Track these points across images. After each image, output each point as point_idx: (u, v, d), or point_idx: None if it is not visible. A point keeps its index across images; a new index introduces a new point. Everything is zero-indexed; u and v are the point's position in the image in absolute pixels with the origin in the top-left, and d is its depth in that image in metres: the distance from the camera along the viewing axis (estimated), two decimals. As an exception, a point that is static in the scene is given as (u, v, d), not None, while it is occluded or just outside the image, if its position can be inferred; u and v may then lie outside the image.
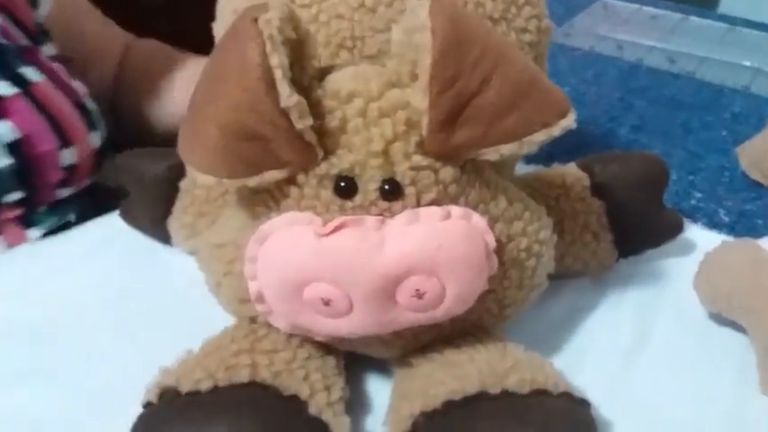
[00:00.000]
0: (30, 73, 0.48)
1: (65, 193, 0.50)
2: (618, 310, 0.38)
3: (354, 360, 0.34)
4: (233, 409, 0.29)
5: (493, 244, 0.28)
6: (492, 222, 0.29)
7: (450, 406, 0.28)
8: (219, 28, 0.35)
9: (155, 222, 0.42)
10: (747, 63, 0.66)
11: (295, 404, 0.29)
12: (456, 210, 0.27)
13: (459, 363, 0.30)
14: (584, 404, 0.29)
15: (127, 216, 0.44)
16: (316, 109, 0.26)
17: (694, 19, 0.75)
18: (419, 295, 0.27)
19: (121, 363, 0.35)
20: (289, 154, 0.26)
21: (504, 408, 0.28)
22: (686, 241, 0.42)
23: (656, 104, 0.60)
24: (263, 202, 0.29)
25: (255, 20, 0.25)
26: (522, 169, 0.41)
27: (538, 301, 0.36)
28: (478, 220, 0.28)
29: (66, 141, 0.48)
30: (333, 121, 0.27)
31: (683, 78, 0.64)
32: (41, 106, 0.48)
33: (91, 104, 0.53)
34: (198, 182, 0.28)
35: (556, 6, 0.79)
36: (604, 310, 0.38)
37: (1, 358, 0.35)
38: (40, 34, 0.53)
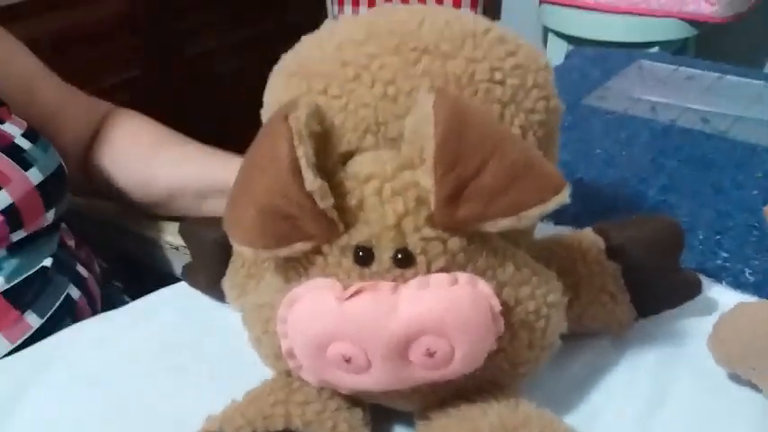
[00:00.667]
0: None
1: (18, 235, 0.49)
2: (635, 370, 0.40)
3: (380, 413, 0.36)
4: None
5: (498, 308, 0.31)
6: (500, 287, 0.32)
7: None
8: (265, 114, 0.40)
9: (212, 283, 0.46)
10: None
11: None
12: (463, 276, 0.30)
13: (473, 417, 0.33)
14: None
15: (188, 277, 0.49)
16: (338, 189, 0.30)
17: (730, 78, 0.75)
18: (430, 354, 0.30)
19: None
20: (314, 229, 0.30)
21: None
22: (708, 300, 0.43)
23: (688, 164, 0.60)
24: (294, 268, 0.33)
25: (286, 117, 0.29)
26: (547, 230, 0.44)
27: (556, 360, 0.38)
28: (484, 286, 0.30)
29: None
30: (352, 200, 0.30)
31: (715, 138, 0.64)
32: None
33: (25, 143, 0.52)
34: (240, 252, 0.32)
35: (591, 69, 0.82)
36: (622, 371, 0.40)
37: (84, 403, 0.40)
38: None
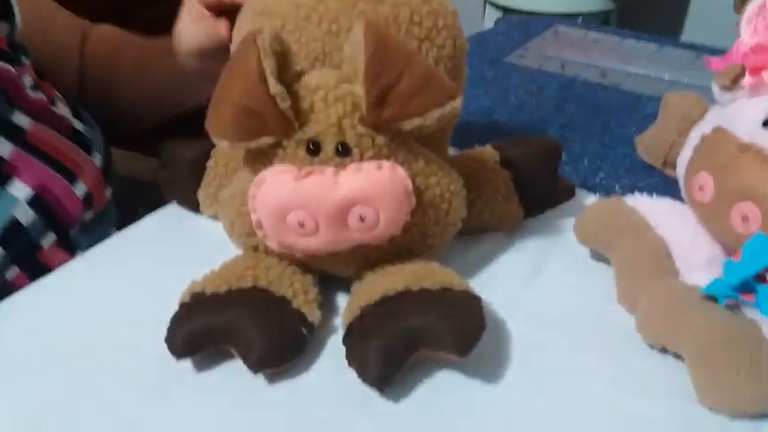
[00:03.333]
0: (20, 119, 0.48)
1: (89, 215, 0.52)
2: (521, 252, 0.51)
3: (326, 279, 0.46)
4: (241, 303, 0.42)
5: (410, 187, 0.41)
6: (413, 175, 0.42)
7: (384, 298, 0.41)
8: (233, 47, 0.49)
9: (187, 194, 0.54)
10: (666, 76, 0.78)
11: (283, 301, 0.42)
12: (386, 163, 0.40)
13: (394, 272, 0.43)
14: (476, 297, 0.41)
15: (166, 191, 0.56)
16: (294, 96, 0.40)
17: (628, 41, 0.87)
18: (362, 219, 0.40)
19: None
20: (276, 125, 0.40)
21: (420, 297, 0.41)
22: (582, 205, 0.55)
23: (584, 109, 0.71)
24: (260, 161, 0.42)
25: (255, 38, 0.38)
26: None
27: (462, 246, 0.49)
28: (401, 171, 0.40)
29: (73, 176, 0.50)
30: (305, 104, 0.40)
31: (610, 89, 0.76)
32: (41, 152, 0.48)
33: (78, 124, 0.53)
34: (218, 146, 0.42)
35: (514, 33, 0.93)
36: (511, 252, 0.51)
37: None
38: (18, 51, 0.52)
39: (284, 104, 0.39)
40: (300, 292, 0.43)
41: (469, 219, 0.47)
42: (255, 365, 0.40)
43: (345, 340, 0.41)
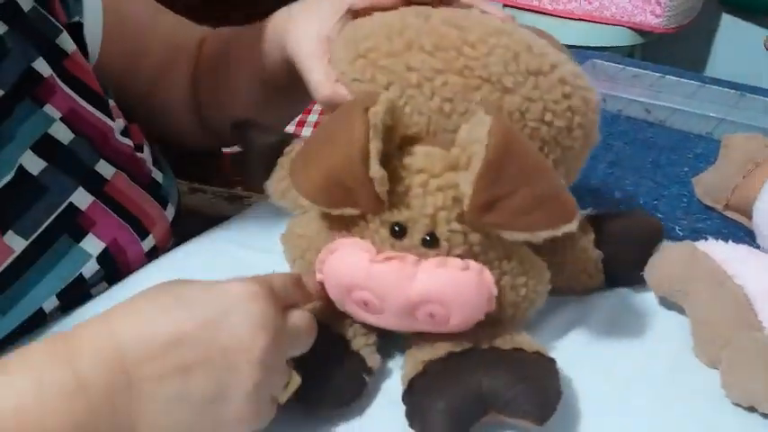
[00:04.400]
0: (103, 168, 0.46)
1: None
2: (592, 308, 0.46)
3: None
4: None
5: (495, 293, 0.37)
6: (501, 275, 0.38)
7: (451, 354, 0.38)
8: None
9: (257, 179, 0.47)
10: (712, 114, 0.74)
11: (342, 340, 0.39)
12: (474, 264, 0.36)
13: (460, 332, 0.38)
14: (551, 360, 0.37)
15: (239, 170, 0.50)
16: (393, 173, 0.35)
17: (670, 77, 0.83)
18: (431, 316, 0.37)
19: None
20: (366, 203, 0.36)
21: (489, 356, 0.37)
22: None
23: (632, 145, 0.69)
24: (339, 221, 0.38)
25: (367, 109, 0.33)
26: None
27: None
28: (488, 275, 0.36)
29: (145, 231, 0.47)
30: (402, 186, 0.36)
31: (655, 125, 0.73)
32: (118, 205, 0.46)
33: (157, 173, 0.50)
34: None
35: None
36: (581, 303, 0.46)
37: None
38: (107, 92, 0.48)
39: (381, 189, 0.35)
40: (361, 335, 0.40)
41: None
42: (315, 406, 0.37)
43: (406, 398, 0.38)
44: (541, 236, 0.35)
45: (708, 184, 0.58)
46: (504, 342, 0.38)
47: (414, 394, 0.37)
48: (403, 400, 0.37)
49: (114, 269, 0.47)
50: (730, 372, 0.40)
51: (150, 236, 0.48)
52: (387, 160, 0.35)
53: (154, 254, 0.49)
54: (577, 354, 0.43)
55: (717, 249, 0.46)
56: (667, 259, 0.46)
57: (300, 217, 0.43)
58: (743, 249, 0.47)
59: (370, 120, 0.33)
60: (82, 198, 0.45)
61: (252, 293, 0.32)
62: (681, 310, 0.46)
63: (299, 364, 0.36)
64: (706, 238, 0.48)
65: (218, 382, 0.31)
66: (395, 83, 0.37)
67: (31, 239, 0.42)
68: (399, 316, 0.37)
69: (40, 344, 0.31)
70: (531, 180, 0.34)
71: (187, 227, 0.53)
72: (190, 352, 0.31)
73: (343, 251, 0.37)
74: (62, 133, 0.44)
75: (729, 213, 0.57)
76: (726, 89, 0.80)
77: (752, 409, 0.39)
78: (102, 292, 0.47)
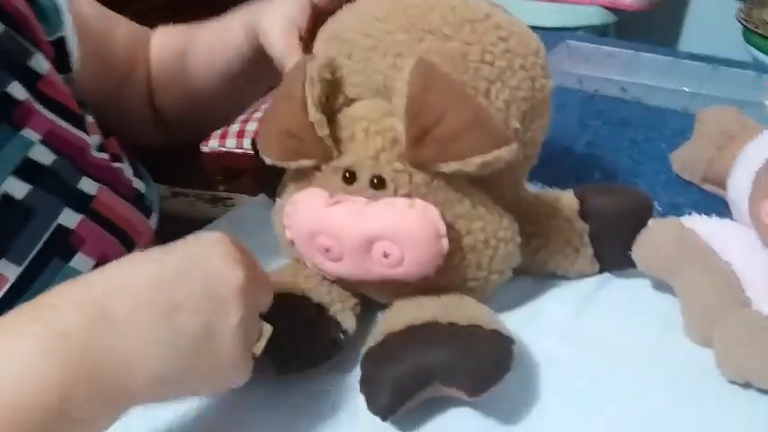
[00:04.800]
0: (87, 185, 0.46)
1: None
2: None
3: (367, 301, 0.44)
4: (283, 306, 0.40)
5: (442, 230, 0.38)
6: (455, 218, 0.40)
7: (410, 328, 0.39)
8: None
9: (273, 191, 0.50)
10: (687, 89, 0.74)
11: (320, 307, 0.42)
12: (419, 202, 0.39)
13: (425, 303, 0.41)
14: (508, 339, 0.38)
15: (259, 182, 0.54)
16: (339, 123, 0.40)
17: (644, 54, 0.83)
18: (385, 255, 0.39)
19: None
20: (313, 150, 0.40)
21: (445, 330, 0.39)
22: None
23: (608, 125, 0.70)
24: (301, 181, 0.42)
25: (305, 64, 0.38)
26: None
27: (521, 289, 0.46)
28: (433, 212, 0.39)
29: (132, 243, 0.47)
30: (346, 133, 0.40)
31: (631, 103, 0.73)
32: (106, 220, 0.46)
33: (138, 183, 0.51)
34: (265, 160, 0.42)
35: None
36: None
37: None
38: (85, 109, 0.49)
39: (322, 132, 0.39)
40: (337, 301, 0.42)
41: (531, 265, 0.45)
42: (286, 365, 0.39)
43: (362, 365, 0.40)
44: (474, 162, 0.37)
45: (684, 159, 0.59)
46: (464, 318, 0.39)
47: (368, 362, 0.40)
48: (360, 366, 0.40)
49: None
50: (724, 349, 0.40)
51: (137, 248, 0.49)
52: (334, 113, 0.40)
53: None
54: (565, 331, 0.44)
55: (700, 224, 0.47)
56: (655, 238, 0.46)
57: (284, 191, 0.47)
58: (727, 224, 0.47)
59: (307, 71, 0.37)
60: (70, 217, 0.45)
61: (220, 236, 0.34)
62: (668, 288, 0.46)
63: (276, 328, 0.37)
64: (689, 213, 0.48)
65: (206, 318, 0.31)
66: (355, 50, 0.42)
67: (24, 265, 0.42)
68: (356, 258, 0.40)
69: (12, 311, 0.30)
70: (455, 106, 0.37)
71: (169, 232, 0.55)
72: (174, 289, 0.31)
73: (301, 201, 0.41)
74: (43, 155, 0.44)
75: (707, 186, 0.57)
76: (700, 63, 0.81)
77: (744, 386, 0.40)
78: None
